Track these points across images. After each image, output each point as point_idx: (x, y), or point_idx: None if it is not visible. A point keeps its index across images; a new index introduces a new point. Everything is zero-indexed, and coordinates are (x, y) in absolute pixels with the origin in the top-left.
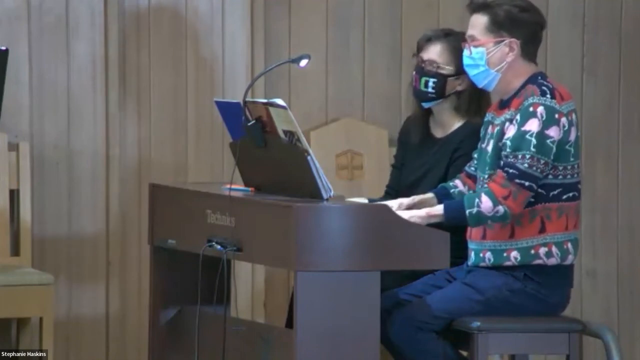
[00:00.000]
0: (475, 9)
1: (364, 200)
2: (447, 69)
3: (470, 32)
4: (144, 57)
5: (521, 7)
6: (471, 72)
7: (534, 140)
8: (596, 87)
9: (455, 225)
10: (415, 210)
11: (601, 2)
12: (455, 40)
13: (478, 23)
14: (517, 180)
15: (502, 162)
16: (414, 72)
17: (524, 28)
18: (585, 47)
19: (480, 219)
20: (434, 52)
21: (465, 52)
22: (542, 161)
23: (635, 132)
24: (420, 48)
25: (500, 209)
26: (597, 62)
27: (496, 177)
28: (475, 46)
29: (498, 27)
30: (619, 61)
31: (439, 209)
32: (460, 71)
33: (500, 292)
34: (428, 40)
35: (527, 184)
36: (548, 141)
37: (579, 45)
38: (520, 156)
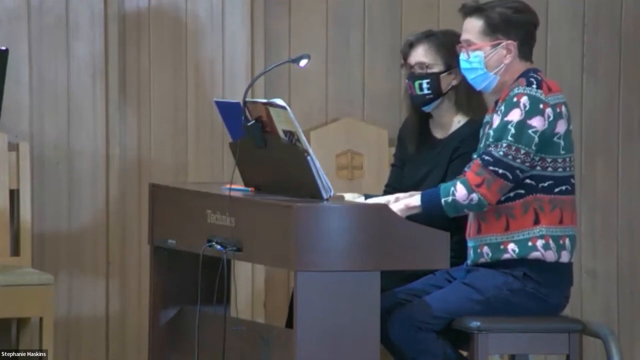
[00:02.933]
0: (468, 12)
1: (358, 196)
2: (437, 67)
3: (465, 36)
4: (144, 57)
5: (515, 9)
6: (469, 75)
7: (512, 130)
8: (596, 87)
9: (433, 217)
10: (394, 204)
11: (601, 2)
12: (437, 39)
13: (472, 27)
14: (491, 168)
15: (481, 151)
16: (407, 80)
17: (520, 29)
18: (585, 47)
19: (456, 207)
20: (420, 54)
21: (463, 57)
22: (523, 151)
23: (635, 132)
24: (405, 56)
25: (474, 196)
26: (597, 62)
27: (473, 165)
28: (473, 50)
29: (494, 30)
30: (619, 61)
31: (416, 199)
32: (450, 66)
33: (500, 292)
34: (410, 45)
35: (500, 171)
36: (530, 131)
37: (579, 45)
38: (498, 145)
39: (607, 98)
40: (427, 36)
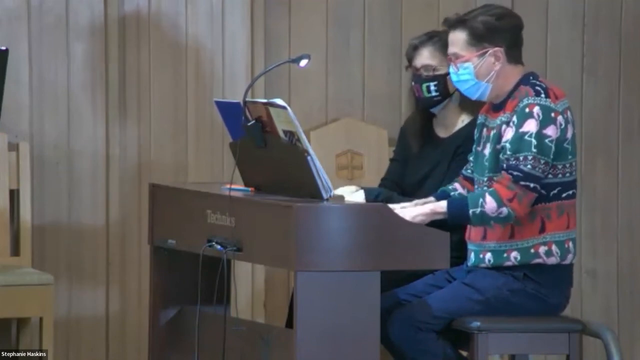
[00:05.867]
0: (451, 25)
1: (354, 188)
2: (443, 68)
3: (452, 49)
4: (144, 57)
5: (497, 15)
6: (462, 87)
7: (534, 141)
8: (596, 87)
9: (455, 224)
10: (420, 207)
11: (601, 2)
12: (440, 40)
13: (458, 39)
14: (522, 183)
15: (504, 165)
16: (413, 83)
17: (505, 35)
18: (585, 47)
19: (483, 219)
20: (426, 57)
21: (452, 70)
22: (543, 161)
23: (635, 132)
24: (410, 59)
25: (504, 210)
26: (597, 62)
27: (502, 179)
28: (461, 63)
29: (479, 39)
30: (619, 61)
31: (442, 205)
32: None
33: (500, 292)
34: (415, 48)
35: (532, 185)
36: (547, 141)
37: (579, 45)
38: (522, 158)
39: (607, 98)
40: (431, 37)
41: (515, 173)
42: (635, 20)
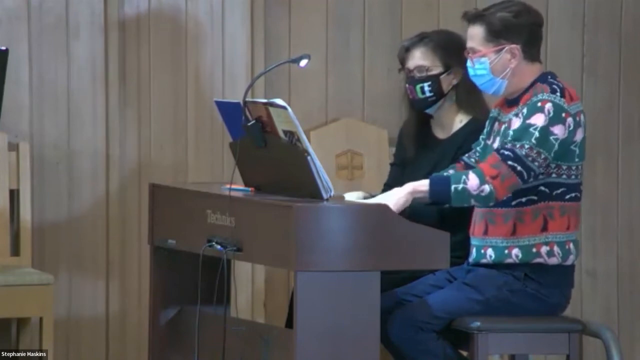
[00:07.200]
0: (470, 20)
1: (362, 195)
2: (436, 68)
3: (469, 44)
4: (144, 57)
5: (515, 12)
6: (478, 82)
7: (536, 134)
8: (596, 87)
9: (438, 203)
10: (399, 188)
11: (601, 2)
12: (431, 40)
13: (475, 34)
14: (510, 162)
15: (499, 146)
16: (407, 85)
17: (522, 32)
18: (585, 47)
19: (464, 196)
20: (418, 58)
21: (469, 64)
22: (542, 155)
23: (635, 132)
24: (402, 61)
25: (486, 188)
26: (597, 62)
27: (489, 157)
28: (477, 58)
29: (496, 35)
30: (619, 61)
31: (424, 183)
32: (448, 66)
33: (500, 292)
34: (407, 50)
35: (518, 168)
36: (551, 137)
37: (579, 45)
38: (519, 145)
39: (607, 98)
40: (422, 39)
41: (506, 153)
42: (635, 20)
